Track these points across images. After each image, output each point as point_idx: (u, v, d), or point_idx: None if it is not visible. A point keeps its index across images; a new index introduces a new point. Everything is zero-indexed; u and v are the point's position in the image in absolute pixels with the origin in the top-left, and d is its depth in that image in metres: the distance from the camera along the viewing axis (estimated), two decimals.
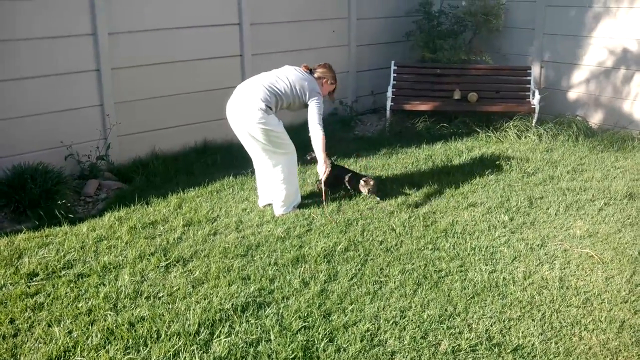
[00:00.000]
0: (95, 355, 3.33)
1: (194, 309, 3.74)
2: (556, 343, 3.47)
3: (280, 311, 3.74)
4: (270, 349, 3.40)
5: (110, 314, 3.70)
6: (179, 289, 4.00)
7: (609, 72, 7.51)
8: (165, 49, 6.52)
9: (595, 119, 7.69)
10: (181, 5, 6.55)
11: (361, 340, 3.46)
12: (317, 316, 3.68)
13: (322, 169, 5.06)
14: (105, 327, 3.57)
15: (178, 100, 6.72)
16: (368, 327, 3.57)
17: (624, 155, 6.72)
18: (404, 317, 3.68)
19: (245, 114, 4.89)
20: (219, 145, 6.87)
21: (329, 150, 6.72)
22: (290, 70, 5.16)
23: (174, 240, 4.70)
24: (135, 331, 3.53)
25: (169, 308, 3.78)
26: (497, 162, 6.38)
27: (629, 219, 5.07)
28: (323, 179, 5.13)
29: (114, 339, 3.47)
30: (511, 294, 3.95)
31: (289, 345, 3.40)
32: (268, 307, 3.79)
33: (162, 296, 3.93)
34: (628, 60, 7.32)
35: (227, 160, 6.52)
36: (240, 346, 3.42)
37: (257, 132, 4.90)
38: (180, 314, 3.71)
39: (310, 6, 7.63)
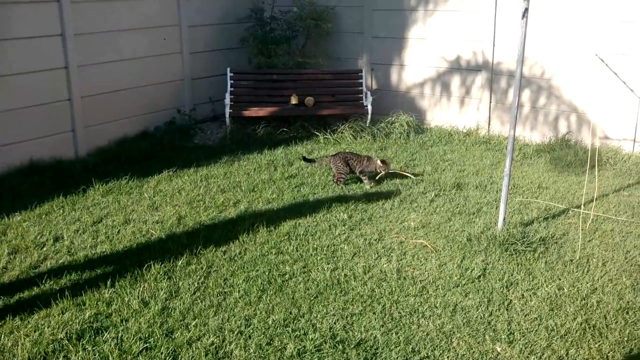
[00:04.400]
0: None
1: (22, 344, 3.44)
2: (397, 333, 3.59)
3: (120, 335, 3.54)
4: None
5: None
6: (4, 323, 3.67)
7: (433, 71, 7.99)
8: None
9: (424, 116, 8.14)
10: None
11: (206, 355, 3.36)
12: (159, 336, 3.53)
13: None
14: None
15: None
16: (213, 341, 3.48)
17: (450, 149, 7.18)
18: (249, 326, 3.64)
19: None
20: (47, 164, 6.42)
21: (169, 160, 6.60)
22: None
23: None
24: None
25: None
26: None
27: (457, 207, 5.40)
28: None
29: None
30: (352, 289, 4.05)
31: None
32: (106, 331, 3.58)
33: None
34: (450, 59, 7.83)
35: (56, 179, 6.10)
36: None
37: None
38: (7, 351, 3.40)
39: (138, 14, 7.37)
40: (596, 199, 5.42)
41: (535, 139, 7.37)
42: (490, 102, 7.64)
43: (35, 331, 3.57)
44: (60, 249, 4.63)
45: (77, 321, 3.66)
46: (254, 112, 7.78)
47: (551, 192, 5.77)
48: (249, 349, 3.43)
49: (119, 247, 4.64)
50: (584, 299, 3.94)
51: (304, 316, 3.74)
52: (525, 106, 7.36)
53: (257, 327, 3.62)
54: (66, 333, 3.54)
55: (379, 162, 5.99)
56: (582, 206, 5.26)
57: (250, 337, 3.53)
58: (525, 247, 4.55)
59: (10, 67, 6.17)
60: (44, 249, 4.65)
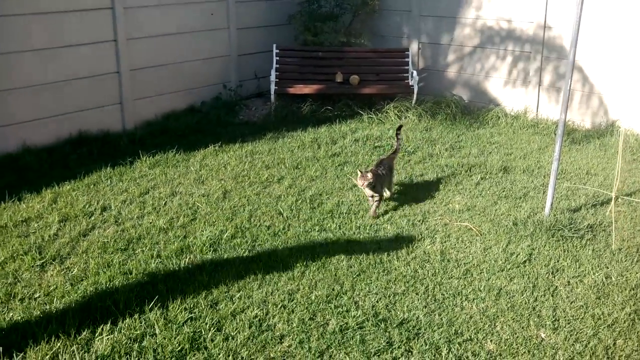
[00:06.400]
0: None
1: (72, 308, 3.54)
2: (439, 315, 3.58)
3: (165, 304, 3.62)
4: (156, 343, 3.28)
5: None
6: (56, 288, 3.78)
7: (482, 52, 7.84)
8: (30, 36, 6.08)
9: (471, 97, 8.02)
10: None
11: (250, 327, 3.41)
12: (203, 306, 3.59)
13: None
14: None
15: (49, 90, 6.31)
16: (256, 313, 3.53)
17: (498, 131, 7.06)
18: (292, 300, 3.67)
19: None
20: (95, 136, 6.55)
21: (214, 135, 6.66)
22: None
23: (50, 237, 4.43)
24: (7, 337, 3.29)
25: (45, 309, 3.56)
26: (379, 143, 6.51)
27: (503, 191, 5.32)
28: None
29: None
30: (395, 269, 4.04)
31: (175, 338, 3.30)
32: (152, 300, 3.65)
33: (39, 297, 3.69)
34: (499, 40, 7.67)
35: (104, 150, 6.24)
36: (124, 343, 3.27)
37: None
38: (59, 314, 3.50)
39: None
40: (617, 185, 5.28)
41: (585, 124, 7.19)
42: (540, 85, 7.47)
43: (84, 297, 3.67)
44: (108, 219, 4.73)
45: (124, 290, 3.74)
46: (299, 89, 7.77)
47: (600, 178, 5.63)
48: (292, 323, 3.46)
49: (164, 218, 4.72)
50: (633, 289, 3.85)
51: (346, 293, 3.75)
52: (575, 90, 7.17)
53: (300, 302, 3.65)
54: (113, 300, 3.62)
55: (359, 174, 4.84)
56: (620, 195, 5.12)
57: (293, 311, 3.56)
58: (573, 234, 4.46)
59: (62, 40, 6.28)
60: (92, 218, 4.76)
